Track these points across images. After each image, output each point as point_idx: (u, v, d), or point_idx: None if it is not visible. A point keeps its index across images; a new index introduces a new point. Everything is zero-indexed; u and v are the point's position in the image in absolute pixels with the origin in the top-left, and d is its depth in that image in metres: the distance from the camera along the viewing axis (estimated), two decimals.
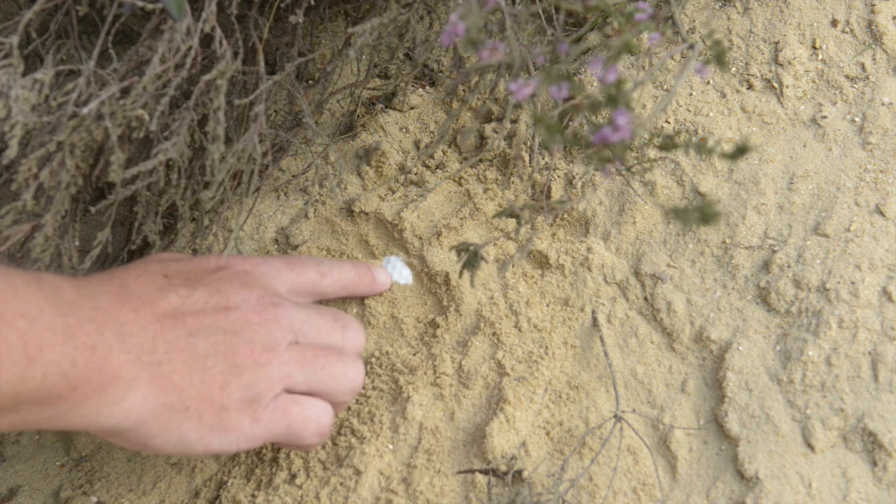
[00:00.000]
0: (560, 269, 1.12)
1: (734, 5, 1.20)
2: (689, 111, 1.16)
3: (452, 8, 1.01)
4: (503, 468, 1.03)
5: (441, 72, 1.26)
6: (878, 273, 1.04)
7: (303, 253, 1.16)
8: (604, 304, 1.10)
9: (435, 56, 1.26)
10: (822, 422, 0.99)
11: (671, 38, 0.81)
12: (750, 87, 1.16)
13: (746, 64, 1.17)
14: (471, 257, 0.89)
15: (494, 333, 1.09)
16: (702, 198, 1.11)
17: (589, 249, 1.11)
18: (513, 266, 1.12)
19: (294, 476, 1.08)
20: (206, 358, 0.92)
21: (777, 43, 1.17)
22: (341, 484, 1.06)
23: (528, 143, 1.16)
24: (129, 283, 0.93)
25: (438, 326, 1.11)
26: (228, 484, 1.10)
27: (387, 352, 1.12)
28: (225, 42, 0.90)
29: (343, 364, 1.00)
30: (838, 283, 1.04)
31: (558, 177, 1.16)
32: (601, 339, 1.08)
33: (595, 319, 1.09)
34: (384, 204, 1.16)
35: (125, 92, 0.92)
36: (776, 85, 1.16)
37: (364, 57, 1.15)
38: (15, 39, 0.88)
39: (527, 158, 1.16)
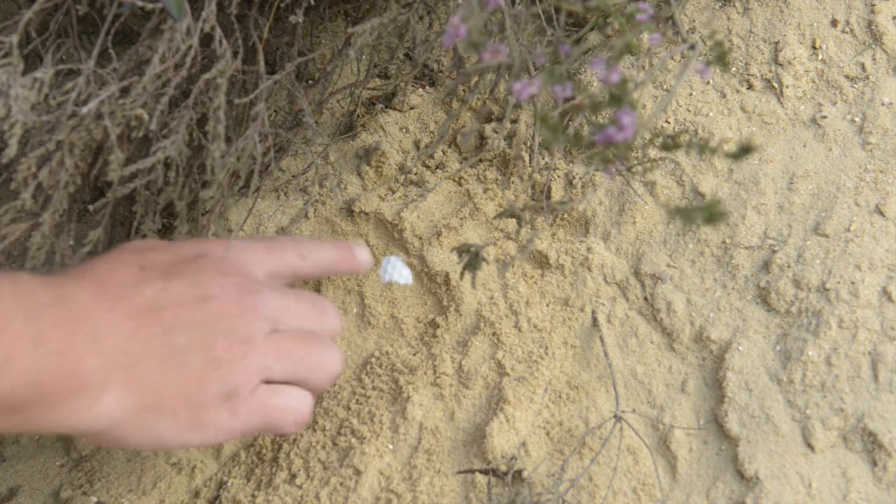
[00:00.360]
0: (560, 269, 1.12)
1: (734, 5, 1.20)
2: (689, 111, 1.16)
3: (453, 9, 1.01)
4: (503, 468, 1.03)
5: (441, 72, 1.26)
6: (878, 273, 1.04)
7: None
8: (604, 304, 1.10)
9: (435, 56, 1.26)
10: (822, 422, 0.99)
11: (671, 38, 0.81)
12: (750, 87, 1.16)
13: (746, 64, 1.17)
14: (472, 258, 0.89)
15: (494, 333, 1.09)
16: (702, 198, 1.11)
17: (589, 249, 1.11)
18: (513, 266, 1.12)
19: (294, 476, 1.08)
20: (183, 354, 0.91)
21: (777, 43, 1.17)
22: (341, 484, 1.06)
23: (528, 143, 1.16)
24: (104, 277, 0.91)
25: (438, 326, 1.11)
26: (228, 484, 1.10)
27: (387, 352, 1.12)
28: (225, 41, 0.90)
29: (321, 352, 0.99)
30: (838, 283, 1.04)
31: (558, 177, 1.16)
32: (601, 339, 1.08)
33: (595, 319, 1.09)
34: (384, 204, 1.16)
35: (125, 91, 0.91)
36: (776, 85, 1.16)
37: (364, 57, 1.15)
38: (15, 39, 0.87)
39: (527, 158, 1.16)
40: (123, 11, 0.92)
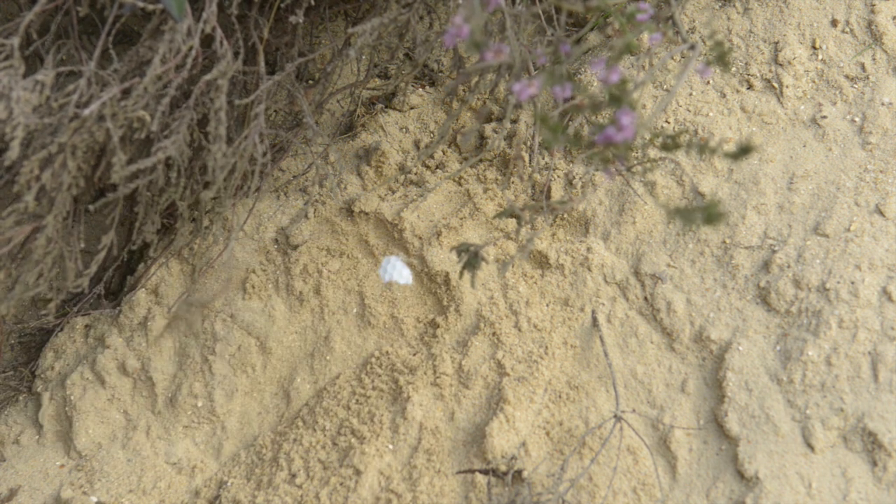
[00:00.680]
0: (560, 269, 1.12)
1: (734, 5, 1.20)
2: (689, 111, 1.16)
3: (453, 9, 1.01)
4: (503, 468, 1.03)
5: (441, 72, 1.26)
6: (878, 273, 1.04)
7: (302, 253, 1.16)
8: (604, 304, 1.10)
9: (435, 56, 1.26)
10: (822, 422, 1.00)
11: (671, 38, 0.81)
12: (750, 87, 1.16)
13: (746, 64, 1.17)
14: (471, 258, 0.89)
15: (494, 333, 1.10)
16: (702, 198, 1.11)
17: (589, 249, 1.11)
18: (513, 266, 1.12)
19: (294, 476, 1.08)
20: None
21: (777, 43, 1.17)
22: (341, 484, 1.06)
23: (528, 143, 1.16)
24: None
25: (438, 326, 1.11)
26: (228, 484, 1.10)
27: (387, 352, 1.12)
28: (225, 42, 0.90)
29: None
30: (838, 282, 1.04)
31: (558, 177, 1.16)
32: (601, 339, 1.08)
33: (595, 319, 1.09)
34: (384, 204, 1.16)
35: (126, 93, 0.91)
36: (776, 85, 1.16)
37: (364, 57, 1.15)
38: (16, 41, 0.87)
39: (527, 158, 1.16)
40: (124, 12, 0.92)
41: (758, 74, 1.17)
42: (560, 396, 1.07)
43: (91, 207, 0.99)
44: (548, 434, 1.05)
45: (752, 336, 1.05)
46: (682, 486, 1.01)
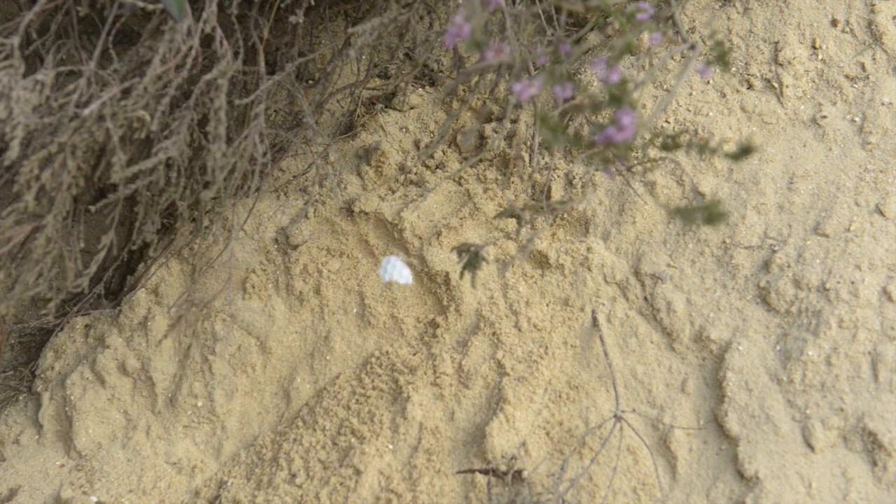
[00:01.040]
0: (560, 269, 1.12)
1: (734, 5, 1.20)
2: (689, 111, 1.16)
3: (453, 9, 1.01)
4: (503, 468, 1.03)
5: (441, 72, 1.26)
6: (878, 273, 1.04)
7: (302, 252, 1.16)
8: (604, 304, 1.10)
9: (435, 56, 1.26)
10: (822, 422, 1.00)
11: (672, 38, 0.81)
12: (750, 86, 1.16)
13: (746, 64, 1.17)
14: (472, 258, 0.89)
15: (494, 333, 1.10)
16: (702, 197, 1.11)
17: (589, 249, 1.11)
18: (513, 266, 1.12)
19: (294, 476, 1.08)
20: None
21: (777, 43, 1.17)
22: (341, 484, 1.06)
23: (528, 143, 1.16)
24: None
25: (438, 326, 1.11)
26: (228, 484, 1.10)
27: (387, 352, 1.12)
28: (225, 42, 0.90)
29: None
30: (838, 282, 1.04)
31: (558, 177, 1.16)
32: (601, 338, 1.08)
33: (595, 319, 1.09)
34: (384, 204, 1.16)
35: (126, 93, 0.91)
36: (776, 85, 1.16)
37: (364, 57, 1.15)
38: (16, 41, 0.87)
39: (527, 158, 1.16)
40: (124, 12, 0.92)
41: (758, 74, 1.17)
42: (560, 396, 1.07)
43: (91, 207, 0.99)
44: (548, 434, 1.05)
45: (752, 336, 1.05)
46: (682, 486, 1.01)
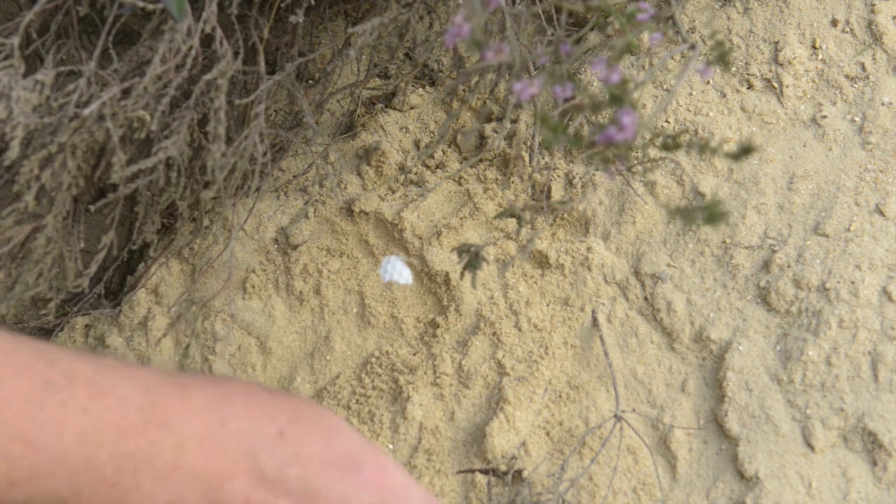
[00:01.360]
0: (560, 269, 1.12)
1: (734, 5, 1.20)
2: (689, 111, 1.16)
3: (453, 9, 1.01)
4: (503, 468, 1.03)
5: (441, 72, 1.26)
6: (878, 273, 1.04)
7: (302, 252, 1.16)
8: (604, 304, 1.10)
9: (435, 56, 1.26)
10: (822, 422, 1.00)
11: (672, 38, 0.81)
12: (750, 86, 1.16)
13: (746, 64, 1.17)
14: (472, 258, 0.89)
15: (494, 333, 1.09)
16: (702, 197, 1.11)
17: (589, 249, 1.11)
18: (513, 266, 1.12)
19: None
20: None
21: (777, 43, 1.17)
22: None
23: (528, 143, 1.16)
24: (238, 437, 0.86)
25: (438, 326, 1.11)
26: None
27: (387, 352, 1.12)
28: (225, 42, 0.90)
29: None
30: (838, 282, 1.04)
31: (558, 177, 1.16)
32: (601, 338, 1.08)
33: (595, 319, 1.09)
34: (384, 204, 1.16)
35: (126, 93, 0.91)
36: (776, 85, 1.16)
37: (364, 57, 1.15)
38: (16, 40, 0.87)
39: (527, 158, 1.16)
40: (124, 12, 0.92)
41: (758, 74, 1.17)
42: (560, 396, 1.07)
43: (91, 207, 0.99)
44: (548, 434, 1.05)
45: (752, 336, 1.05)
46: (683, 486, 1.01)
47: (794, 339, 1.03)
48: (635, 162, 1.07)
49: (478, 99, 1.21)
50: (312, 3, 0.98)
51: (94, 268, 0.95)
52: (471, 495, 1.03)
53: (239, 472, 0.79)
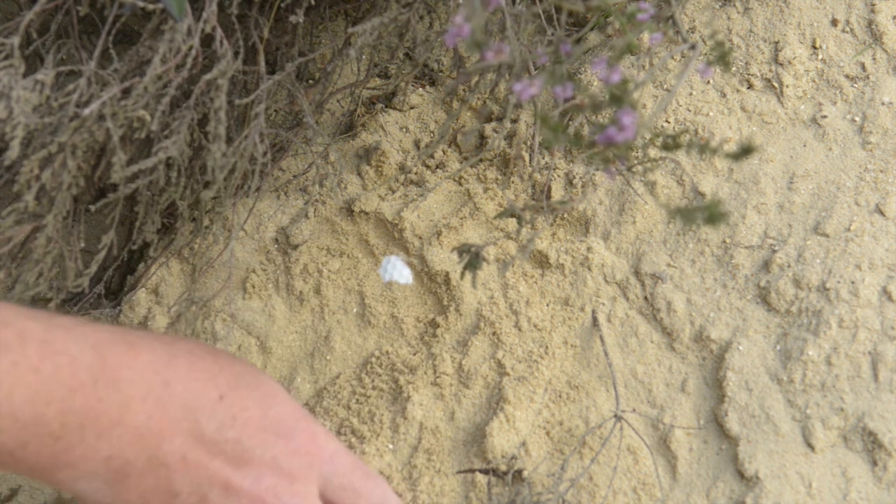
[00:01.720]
0: (560, 269, 1.12)
1: (734, 5, 1.20)
2: (690, 111, 1.16)
3: (453, 8, 1.01)
4: (503, 468, 1.03)
5: (441, 71, 1.26)
6: (878, 273, 1.04)
7: (302, 252, 1.16)
8: (604, 304, 1.10)
9: (435, 56, 1.26)
10: (822, 421, 1.00)
11: (672, 38, 0.81)
12: (750, 86, 1.16)
13: (746, 63, 1.17)
14: (472, 258, 0.89)
15: (494, 333, 1.09)
16: (702, 197, 1.11)
17: (589, 249, 1.11)
18: (513, 266, 1.12)
19: None
20: None
21: (777, 42, 1.17)
22: None
23: (529, 143, 1.16)
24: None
25: (438, 326, 1.11)
26: None
27: (387, 351, 1.12)
28: (226, 42, 0.90)
29: None
30: (838, 282, 1.04)
31: (558, 176, 1.16)
32: (601, 338, 1.08)
33: (595, 319, 1.09)
34: (384, 203, 1.16)
35: (126, 92, 0.91)
36: (776, 84, 1.16)
37: (364, 57, 1.15)
38: (16, 40, 0.87)
39: (527, 158, 1.16)
40: (124, 12, 0.92)
41: (758, 74, 1.17)
42: (560, 396, 1.07)
43: (91, 207, 0.99)
44: (548, 434, 1.05)
45: (752, 336, 1.05)
46: (683, 486, 1.01)
47: (794, 338, 1.03)
48: (635, 162, 1.07)
49: (478, 99, 1.21)
50: (312, 2, 0.98)
51: (94, 268, 0.95)
52: (471, 495, 1.03)
53: (178, 431, 0.83)
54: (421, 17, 1.05)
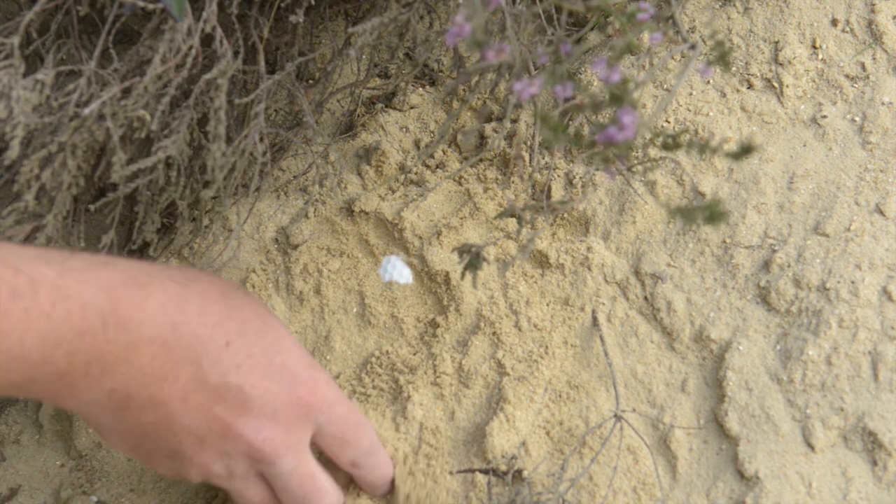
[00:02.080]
0: (560, 269, 1.12)
1: (734, 5, 1.20)
2: (689, 111, 1.16)
3: (453, 8, 1.01)
4: (503, 468, 1.03)
5: (441, 71, 1.26)
6: (878, 272, 1.04)
7: (302, 252, 1.16)
8: (604, 304, 1.10)
9: (435, 56, 1.26)
10: (822, 421, 1.00)
11: (672, 37, 0.82)
12: (750, 86, 1.16)
13: (746, 63, 1.17)
14: (472, 258, 0.89)
15: (494, 333, 1.09)
16: (702, 197, 1.11)
17: (589, 249, 1.11)
18: (513, 266, 1.12)
19: None
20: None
21: (777, 42, 1.17)
22: None
23: (529, 143, 1.16)
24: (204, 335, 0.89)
25: (438, 326, 1.11)
26: None
27: (387, 351, 1.12)
28: (225, 42, 0.90)
29: None
30: (838, 282, 1.04)
31: (558, 176, 1.16)
32: (601, 338, 1.08)
33: (595, 319, 1.09)
34: (384, 203, 1.16)
35: (126, 92, 0.92)
36: (776, 84, 1.16)
37: (364, 56, 1.15)
38: (16, 40, 0.87)
39: (527, 158, 1.16)
40: (124, 12, 0.93)
41: (758, 74, 1.17)
42: (560, 396, 1.07)
43: (91, 207, 0.99)
44: (548, 433, 1.05)
45: (752, 336, 1.05)
46: (683, 486, 1.01)
47: (794, 338, 1.03)
48: (635, 162, 1.08)
49: (478, 99, 1.21)
50: (312, 2, 0.98)
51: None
52: (471, 495, 1.03)
53: (182, 375, 0.86)
54: (421, 17, 1.05)
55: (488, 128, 1.19)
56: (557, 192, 1.15)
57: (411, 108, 1.23)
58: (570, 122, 1.14)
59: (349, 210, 1.17)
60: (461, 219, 1.14)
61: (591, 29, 1.23)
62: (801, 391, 1.01)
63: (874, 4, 1.17)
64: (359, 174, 1.19)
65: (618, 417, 1.04)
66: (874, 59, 1.15)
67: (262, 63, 0.98)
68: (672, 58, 1.18)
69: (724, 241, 1.10)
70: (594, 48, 1.23)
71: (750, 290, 1.07)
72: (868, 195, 1.09)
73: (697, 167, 1.14)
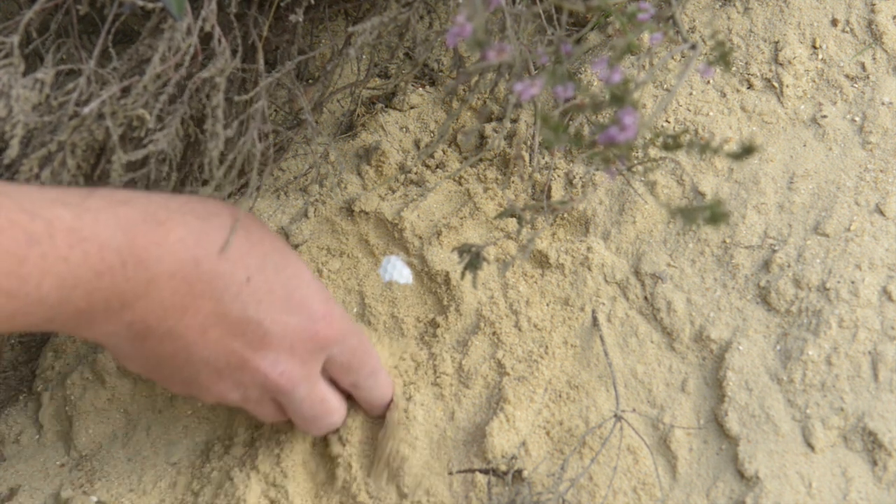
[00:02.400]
0: (560, 269, 1.12)
1: (734, 5, 1.20)
2: (689, 111, 1.16)
3: (453, 8, 1.01)
4: (503, 468, 1.03)
5: (441, 71, 1.26)
6: (878, 272, 1.04)
7: (302, 252, 1.15)
8: (604, 304, 1.10)
9: (435, 55, 1.26)
10: (823, 421, 1.00)
11: (672, 38, 0.82)
12: (750, 86, 1.16)
13: (746, 63, 1.17)
14: (472, 258, 0.89)
15: (494, 333, 1.09)
16: (702, 197, 1.11)
17: (589, 249, 1.11)
18: (513, 266, 1.12)
19: None
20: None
21: (777, 42, 1.17)
22: None
23: (529, 143, 1.16)
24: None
25: (438, 326, 1.11)
26: None
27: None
28: (223, 40, 0.90)
29: None
30: (838, 282, 1.04)
31: (558, 176, 1.16)
32: (601, 338, 1.08)
33: (595, 319, 1.09)
34: (384, 203, 1.16)
35: (126, 91, 0.91)
36: (776, 84, 1.16)
37: (364, 56, 1.15)
38: (16, 39, 0.87)
39: (527, 158, 1.16)
40: (124, 11, 0.93)
41: (758, 74, 1.17)
42: (560, 396, 1.07)
43: None
44: (548, 433, 1.05)
45: (752, 336, 1.05)
46: (683, 486, 1.01)
47: (794, 338, 1.03)
48: (636, 162, 1.07)
49: (478, 99, 1.21)
50: (312, 2, 0.98)
51: None
52: (471, 495, 1.03)
53: (202, 308, 0.87)
54: (421, 17, 1.05)
55: (488, 128, 1.19)
56: (557, 192, 1.15)
57: (411, 108, 1.23)
58: (571, 123, 1.14)
59: (349, 210, 1.17)
60: (461, 219, 1.14)
61: (592, 29, 1.23)
62: (801, 391, 1.01)
63: (874, 4, 1.16)
64: (359, 174, 1.19)
65: (618, 417, 1.03)
66: (874, 59, 1.15)
67: (262, 62, 0.98)
68: (672, 58, 1.18)
69: (724, 241, 1.10)
70: (594, 48, 1.23)
71: (750, 290, 1.07)
72: (868, 195, 1.09)
73: (697, 167, 1.14)
